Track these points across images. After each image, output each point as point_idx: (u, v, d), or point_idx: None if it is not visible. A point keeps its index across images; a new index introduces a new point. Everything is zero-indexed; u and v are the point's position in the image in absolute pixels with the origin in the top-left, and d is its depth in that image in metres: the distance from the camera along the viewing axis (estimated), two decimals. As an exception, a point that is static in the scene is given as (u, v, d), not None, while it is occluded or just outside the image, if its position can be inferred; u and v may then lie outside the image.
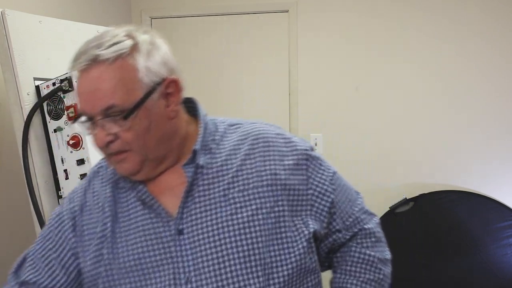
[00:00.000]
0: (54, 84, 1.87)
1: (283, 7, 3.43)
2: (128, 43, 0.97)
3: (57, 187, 1.89)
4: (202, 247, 0.99)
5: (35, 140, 1.88)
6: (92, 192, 1.13)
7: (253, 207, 1.00)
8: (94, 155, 1.84)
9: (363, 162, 3.36)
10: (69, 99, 1.85)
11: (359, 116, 3.36)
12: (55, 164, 1.88)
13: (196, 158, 1.03)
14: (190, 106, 1.13)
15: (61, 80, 1.86)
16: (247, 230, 0.99)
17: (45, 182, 1.88)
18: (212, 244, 0.99)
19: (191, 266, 0.99)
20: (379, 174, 3.34)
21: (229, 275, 0.98)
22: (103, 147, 1.00)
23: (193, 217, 1.01)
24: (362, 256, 1.14)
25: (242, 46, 3.48)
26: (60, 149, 1.87)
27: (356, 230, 1.14)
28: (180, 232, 1.00)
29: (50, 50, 2.00)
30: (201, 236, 0.99)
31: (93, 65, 0.96)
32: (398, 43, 3.31)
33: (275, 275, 0.99)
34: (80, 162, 1.83)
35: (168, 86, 1.01)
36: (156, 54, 0.99)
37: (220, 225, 0.99)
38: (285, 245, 1.00)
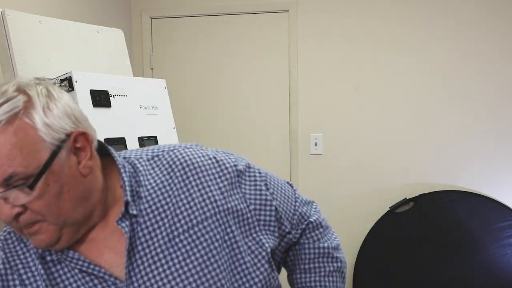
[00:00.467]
0: (54, 84, 1.87)
1: (283, 7, 3.43)
2: (21, 99, 0.83)
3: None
4: None
5: (35, 140, 1.88)
6: (14, 264, 0.96)
7: (204, 244, 0.93)
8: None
9: (363, 162, 3.36)
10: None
11: (359, 116, 3.36)
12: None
13: (129, 209, 0.92)
14: (98, 147, 0.98)
15: (61, 80, 1.86)
16: (205, 271, 0.92)
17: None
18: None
19: None
20: (379, 174, 3.34)
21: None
22: (12, 221, 0.85)
23: (143, 273, 0.91)
24: (317, 250, 1.13)
25: (242, 46, 3.48)
26: (60, 149, 1.87)
27: (303, 226, 1.11)
28: (131, 283, 0.91)
29: (50, 50, 2.00)
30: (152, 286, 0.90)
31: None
32: (398, 43, 3.31)
33: None
34: (80, 162, 1.83)
35: (76, 141, 0.88)
36: (55, 107, 0.86)
37: (175, 274, 0.91)
38: (246, 272, 0.95)
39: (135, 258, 0.92)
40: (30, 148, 0.82)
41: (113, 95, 1.99)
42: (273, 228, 1.01)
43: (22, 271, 0.95)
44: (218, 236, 0.94)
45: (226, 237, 0.95)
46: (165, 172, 0.98)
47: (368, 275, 3.24)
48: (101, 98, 1.93)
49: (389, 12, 3.31)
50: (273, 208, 1.02)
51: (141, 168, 0.98)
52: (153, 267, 0.92)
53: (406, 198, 3.25)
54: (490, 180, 3.21)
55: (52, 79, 1.89)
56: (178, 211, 0.94)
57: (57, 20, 2.10)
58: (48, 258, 0.93)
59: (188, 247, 0.93)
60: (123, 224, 0.91)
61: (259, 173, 1.04)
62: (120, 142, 1.94)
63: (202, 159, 0.99)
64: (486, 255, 3.06)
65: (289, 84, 3.43)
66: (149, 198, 0.95)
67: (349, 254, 3.31)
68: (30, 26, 1.95)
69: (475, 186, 3.22)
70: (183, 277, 0.91)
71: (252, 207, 0.99)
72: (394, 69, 3.32)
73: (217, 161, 1.00)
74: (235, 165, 1.01)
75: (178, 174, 0.97)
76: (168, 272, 0.91)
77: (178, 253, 0.92)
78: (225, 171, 0.99)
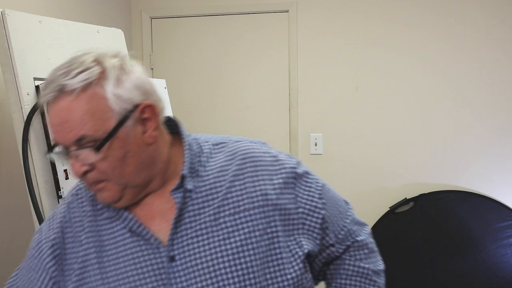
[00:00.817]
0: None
1: (283, 7, 3.43)
2: (96, 70, 0.94)
3: (57, 187, 1.89)
4: (196, 273, 0.96)
5: (35, 140, 1.88)
6: (73, 218, 1.08)
7: (245, 230, 0.98)
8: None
9: (363, 162, 3.36)
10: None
11: (359, 116, 3.36)
12: (55, 164, 1.88)
13: (184, 183, 1.00)
14: (171, 125, 1.08)
15: (61, 80, 1.86)
16: (240, 255, 0.97)
17: (45, 182, 1.88)
18: (206, 270, 0.96)
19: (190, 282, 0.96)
20: (379, 174, 3.34)
21: (246, 275, 0.96)
22: (81, 177, 0.98)
23: (184, 243, 0.98)
24: (356, 269, 1.12)
25: (242, 46, 3.48)
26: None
27: (348, 243, 1.13)
28: (172, 259, 0.98)
29: (50, 50, 2.00)
30: (193, 263, 0.97)
31: (61, 95, 0.93)
32: (398, 43, 3.31)
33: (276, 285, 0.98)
34: (80, 162, 1.83)
35: (144, 112, 0.97)
36: (126, 80, 0.96)
37: (213, 251, 0.97)
38: (281, 267, 0.99)
39: (180, 228, 0.99)
40: (100, 115, 0.92)
41: (113, 95, 1.98)
42: (315, 235, 1.04)
43: (77, 224, 1.06)
44: (260, 226, 0.99)
45: (269, 230, 0.99)
46: (226, 159, 1.05)
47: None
48: (101, 98, 1.93)
49: (389, 12, 3.31)
50: (320, 216, 1.05)
51: (206, 151, 1.06)
52: (194, 239, 0.98)
53: (406, 198, 3.25)
54: (490, 180, 3.21)
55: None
56: (229, 195, 1.01)
57: (57, 20, 2.10)
58: (105, 214, 1.04)
59: (230, 229, 0.98)
60: (176, 195, 0.99)
61: (317, 182, 1.09)
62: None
63: (263, 154, 1.06)
64: (486, 255, 3.06)
65: (289, 84, 3.43)
66: (205, 178, 1.02)
67: (349, 254, 3.31)
68: (30, 26, 1.95)
69: (475, 186, 3.22)
70: (219, 255, 0.97)
71: (300, 210, 1.03)
72: (394, 69, 3.32)
73: (277, 160, 1.06)
74: (294, 168, 1.06)
75: (237, 162, 1.03)
76: (207, 247, 0.97)
77: (220, 232, 0.98)
78: (283, 170, 1.04)
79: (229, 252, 0.97)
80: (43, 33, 1.99)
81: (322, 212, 1.05)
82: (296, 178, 1.05)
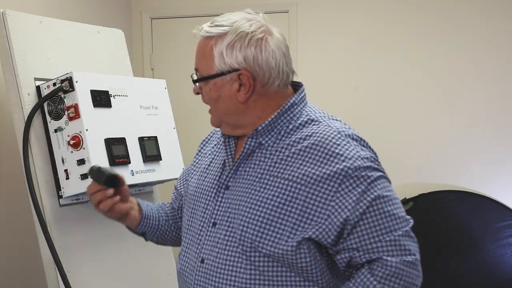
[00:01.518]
0: (54, 84, 1.87)
1: (283, 7, 3.43)
2: (223, 30, 1.20)
3: (58, 187, 1.90)
4: (232, 205, 1.22)
5: (36, 140, 1.88)
6: (211, 139, 1.46)
7: (272, 192, 1.16)
8: (94, 155, 1.84)
9: (363, 162, 3.36)
10: (70, 99, 1.85)
11: (359, 116, 3.36)
12: (56, 164, 1.89)
13: (259, 136, 1.22)
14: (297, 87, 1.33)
15: (61, 80, 1.86)
16: (260, 207, 1.16)
17: (45, 182, 1.88)
18: (237, 206, 1.20)
19: (220, 216, 1.24)
20: (379, 174, 3.34)
21: (235, 232, 1.19)
22: (196, 94, 1.30)
23: (239, 180, 1.23)
24: (364, 280, 1.12)
25: (242, 46, 3.47)
26: (61, 149, 1.87)
27: (374, 257, 1.13)
28: (227, 187, 1.25)
29: (50, 50, 2.01)
30: (235, 196, 1.22)
31: (199, 35, 1.24)
32: (398, 43, 3.31)
33: (259, 250, 1.16)
34: (81, 162, 1.83)
35: (241, 77, 1.19)
36: (239, 49, 1.19)
37: (247, 195, 1.19)
38: (279, 236, 1.14)
39: (242, 167, 1.24)
40: (207, 61, 1.21)
41: (114, 95, 1.99)
42: (331, 229, 1.12)
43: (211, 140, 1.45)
44: (285, 197, 1.15)
45: (290, 203, 1.15)
46: (306, 134, 1.20)
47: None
48: (101, 98, 1.93)
49: (389, 12, 3.32)
50: (344, 217, 1.11)
51: (300, 121, 1.24)
52: (244, 181, 1.22)
53: (406, 198, 3.25)
54: (490, 180, 3.21)
55: (52, 79, 1.89)
56: (283, 162, 1.18)
57: (58, 20, 2.11)
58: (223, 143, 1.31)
59: (265, 186, 1.18)
60: (249, 141, 1.22)
61: (372, 192, 1.14)
62: (120, 142, 1.95)
63: (333, 146, 1.17)
64: (486, 255, 3.06)
65: (289, 84, 3.43)
66: (282, 140, 1.21)
67: (349, 254, 3.31)
68: (30, 26, 1.95)
69: (475, 186, 3.22)
70: (249, 200, 1.19)
71: (332, 203, 1.12)
72: (394, 69, 3.32)
73: (342, 155, 1.15)
74: (349, 168, 1.14)
75: (307, 143, 1.18)
76: (245, 192, 1.20)
77: (259, 185, 1.19)
78: (337, 166, 1.14)
79: (254, 201, 1.18)
80: (43, 33, 2.00)
81: (347, 214, 1.11)
82: (346, 177, 1.13)
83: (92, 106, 1.89)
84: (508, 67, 3.22)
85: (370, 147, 1.28)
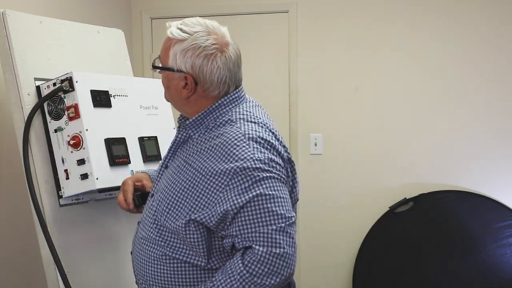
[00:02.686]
0: (54, 84, 1.87)
1: (283, 8, 3.44)
2: (184, 36, 1.40)
3: (58, 187, 1.89)
4: (163, 182, 1.49)
5: (36, 140, 1.88)
6: None
7: (182, 177, 1.41)
8: (94, 155, 1.84)
9: (363, 162, 3.36)
10: (70, 99, 1.85)
11: (359, 116, 3.37)
12: (56, 164, 1.89)
13: (188, 129, 1.47)
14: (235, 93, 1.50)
15: (61, 80, 1.86)
16: (172, 188, 1.42)
17: (45, 182, 1.88)
18: (165, 184, 1.47)
19: (157, 189, 1.51)
20: (379, 174, 3.35)
21: (156, 205, 1.46)
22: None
23: (173, 162, 1.50)
24: (235, 262, 1.31)
25: (242, 46, 3.44)
26: (61, 149, 1.87)
27: (247, 244, 1.30)
28: (166, 167, 1.53)
29: (50, 50, 2.00)
30: (166, 176, 1.49)
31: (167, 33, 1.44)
32: (398, 43, 3.32)
33: (165, 221, 1.41)
34: (81, 162, 1.83)
35: (187, 79, 1.41)
36: (190, 56, 1.40)
37: (170, 176, 1.46)
38: (177, 213, 1.38)
39: (179, 150, 1.51)
40: (165, 55, 1.44)
41: (114, 95, 1.99)
42: (214, 217, 1.33)
43: None
44: (184, 183, 1.39)
45: (191, 188, 1.37)
46: (219, 134, 1.40)
47: (368, 275, 3.25)
48: (101, 98, 1.93)
49: (389, 12, 3.32)
50: (224, 208, 1.31)
51: (222, 120, 1.43)
52: (173, 163, 1.49)
53: (405, 198, 3.25)
54: (490, 180, 3.21)
55: (52, 79, 1.89)
56: (197, 154, 1.41)
57: (58, 20, 2.10)
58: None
59: (177, 170, 1.44)
60: (180, 132, 1.50)
61: (250, 191, 1.31)
62: (120, 142, 1.95)
63: (231, 145, 1.35)
64: (486, 255, 3.06)
65: (289, 84, 3.44)
66: (204, 138, 1.43)
67: (349, 254, 3.31)
68: (30, 26, 1.95)
69: (475, 186, 3.22)
70: (168, 180, 1.46)
71: (220, 194, 1.33)
72: (393, 69, 3.32)
73: (236, 155, 1.33)
74: (237, 167, 1.32)
75: (217, 141, 1.38)
76: (170, 172, 1.47)
77: (176, 169, 1.45)
78: (230, 165, 1.33)
79: (170, 182, 1.44)
80: (43, 33, 1.99)
81: (228, 207, 1.31)
82: (234, 175, 1.32)
83: (92, 106, 1.89)
84: (508, 67, 3.22)
85: (275, 149, 1.41)
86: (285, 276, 1.30)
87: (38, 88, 1.91)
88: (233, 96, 1.47)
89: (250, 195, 1.31)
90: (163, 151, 2.10)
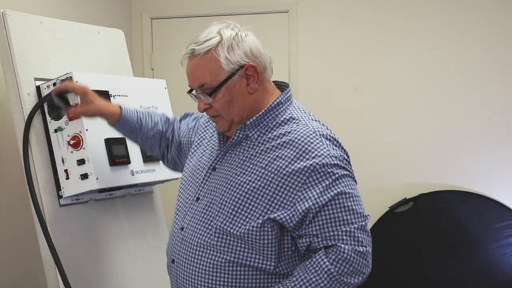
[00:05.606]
0: (54, 84, 1.87)
1: (283, 8, 3.44)
2: (216, 40, 1.34)
3: (58, 187, 1.90)
4: (215, 185, 1.41)
5: (36, 140, 1.88)
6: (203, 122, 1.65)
7: (250, 177, 1.34)
8: (94, 155, 1.84)
9: (363, 162, 3.35)
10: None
11: (359, 116, 3.37)
12: (56, 164, 1.89)
13: (247, 129, 1.39)
14: (283, 86, 1.49)
15: (61, 80, 1.86)
16: (235, 190, 1.35)
17: (45, 182, 1.88)
18: (218, 187, 1.40)
19: (203, 192, 1.43)
20: (379, 174, 3.35)
21: (213, 208, 1.39)
22: (203, 111, 1.43)
23: (225, 164, 1.42)
24: (319, 260, 1.28)
25: (242, 46, 3.47)
26: (61, 149, 1.87)
27: (330, 243, 1.29)
28: (214, 169, 1.45)
29: (50, 50, 2.00)
30: (219, 177, 1.41)
31: (191, 56, 1.37)
32: (398, 43, 3.31)
33: (230, 226, 1.34)
34: (81, 162, 1.83)
35: (248, 70, 1.35)
36: (237, 48, 1.34)
37: (228, 178, 1.38)
38: (250, 216, 1.32)
39: (229, 153, 1.43)
40: (214, 71, 1.34)
41: (114, 95, 1.99)
42: (296, 217, 1.30)
43: (205, 124, 1.63)
44: (259, 183, 1.33)
45: (264, 189, 1.32)
46: (286, 132, 1.37)
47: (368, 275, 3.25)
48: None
49: (389, 12, 3.32)
50: (306, 206, 1.28)
51: (282, 118, 1.40)
52: (228, 165, 1.41)
53: (405, 198, 3.25)
54: (490, 180, 3.21)
55: (52, 79, 1.89)
56: (264, 153, 1.36)
57: (58, 20, 2.10)
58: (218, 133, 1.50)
59: (244, 171, 1.36)
60: (237, 132, 1.41)
61: (334, 188, 1.30)
62: (120, 142, 1.95)
63: (305, 143, 1.33)
64: (486, 255, 3.06)
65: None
66: (266, 134, 1.39)
67: (349, 254, 3.31)
68: (30, 27, 1.95)
69: (475, 186, 3.22)
70: (229, 182, 1.38)
71: (299, 193, 1.30)
72: (394, 69, 3.32)
73: (312, 152, 1.31)
74: (317, 164, 1.30)
75: (285, 138, 1.35)
76: (229, 174, 1.39)
77: (240, 170, 1.37)
78: (308, 162, 1.30)
79: (233, 184, 1.36)
80: (43, 33, 2.00)
81: (309, 204, 1.28)
82: (313, 172, 1.29)
83: (92, 106, 1.89)
84: (508, 68, 3.22)
85: (342, 148, 1.43)
86: (366, 275, 1.33)
87: (38, 88, 1.91)
88: (289, 94, 1.46)
89: (332, 193, 1.29)
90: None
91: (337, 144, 1.40)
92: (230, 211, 1.35)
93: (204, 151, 1.54)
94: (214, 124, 1.51)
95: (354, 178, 1.40)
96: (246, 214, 1.33)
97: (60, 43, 2.05)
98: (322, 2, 3.39)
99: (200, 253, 1.38)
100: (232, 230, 1.33)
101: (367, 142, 3.35)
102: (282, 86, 1.49)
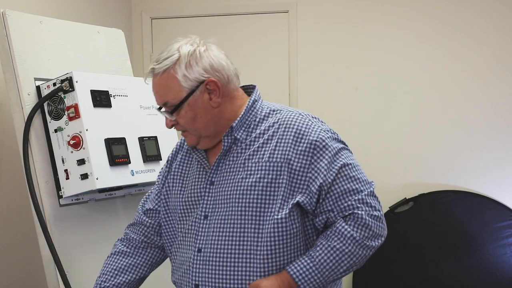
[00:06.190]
0: (54, 84, 1.88)
1: (283, 8, 3.44)
2: (174, 58, 1.35)
3: (58, 187, 1.90)
4: (220, 197, 1.38)
5: (36, 140, 1.88)
6: (179, 149, 1.57)
7: (258, 175, 1.34)
8: (94, 155, 1.85)
9: (363, 162, 3.31)
10: (70, 99, 1.86)
11: (359, 116, 3.37)
12: (56, 164, 1.89)
13: (234, 132, 1.38)
14: (249, 89, 1.48)
15: (61, 80, 1.86)
16: (249, 192, 1.34)
17: (45, 182, 1.88)
18: (226, 197, 1.37)
19: (210, 208, 1.40)
20: (379, 174, 3.34)
21: (230, 219, 1.35)
22: (171, 128, 1.42)
23: (222, 174, 1.39)
24: (340, 228, 1.31)
25: (242, 47, 3.48)
26: (61, 149, 1.88)
27: (347, 213, 1.33)
28: (212, 183, 1.41)
29: (50, 50, 2.01)
30: (221, 189, 1.38)
31: (153, 75, 1.38)
32: (398, 44, 3.31)
33: (261, 230, 1.32)
34: (81, 162, 1.84)
35: (209, 85, 1.35)
36: (195, 64, 1.35)
37: (234, 184, 1.36)
38: (273, 208, 1.32)
39: (223, 163, 1.40)
40: (175, 89, 1.35)
41: (114, 95, 1.99)
42: (312, 195, 1.33)
43: (178, 154, 1.54)
44: (270, 176, 1.33)
45: (276, 181, 1.33)
46: (273, 122, 1.39)
47: (368, 275, 3.25)
48: (101, 98, 1.93)
49: (388, 12, 3.32)
50: (319, 181, 1.31)
51: (264, 113, 1.42)
52: (228, 173, 1.38)
53: (405, 198, 3.25)
54: (490, 180, 3.21)
55: (52, 79, 1.89)
56: (260, 148, 1.36)
57: (58, 20, 2.11)
58: (192, 155, 1.49)
59: (249, 172, 1.35)
60: (225, 138, 1.38)
61: (339, 160, 1.35)
62: (120, 142, 1.95)
63: (300, 125, 1.37)
64: (486, 255, 3.06)
65: (289, 84, 3.43)
66: (253, 132, 1.39)
67: (349, 254, 3.31)
68: (30, 27, 1.95)
69: (475, 186, 3.22)
70: (236, 188, 1.35)
71: (309, 174, 1.33)
72: (394, 69, 3.32)
73: (308, 131, 1.35)
74: (317, 140, 1.34)
75: (277, 127, 1.37)
76: (232, 180, 1.37)
77: (244, 173, 1.36)
78: (307, 140, 1.34)
79: (243, 188, 1.34)
80: (43, 33, 2.00)
81: (323, 179, 1.31)
82: (316, 149, 1.33)
83: (92, 106, 1.89)
84: (508, 67, 3.22)
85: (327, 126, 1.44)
86: (384, 237, 1.37)
87: (38, 88, 1.91)
88: (258, 92, 1.47)
89: (336, 167, 1.33)
90: (163, 151, 2.10)
91: (323, 122, 1.45)
92: (253, 213, 1.33)
93: (186, 176, 1.49)
94: (181, 148, 1.53)
95: (349, 148, 1.45)
96: (270, 210, 1.33)
97: (60, 43, 2.05)
98: (322, 2, 3.39)
99: (234, 265, 1.35)
100: (260, 231, 1.32)
101: (367, 142, 3.35)
102: (249, 89, 1.49)
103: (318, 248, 1.31)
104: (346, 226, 1.31)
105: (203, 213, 1.40)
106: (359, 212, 1.31)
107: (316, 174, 1.32)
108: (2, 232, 2.24)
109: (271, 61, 3.45)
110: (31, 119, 1.85)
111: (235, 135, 1.39)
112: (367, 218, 1.31)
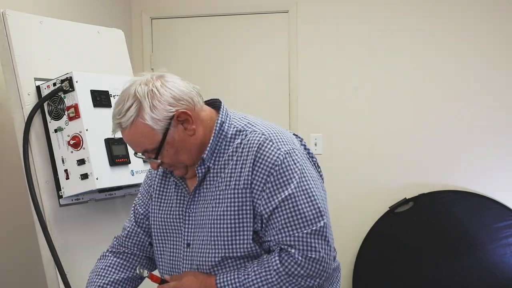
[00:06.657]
0: (54, 84, 1.88)
1: (283, 8, 3.44)
2: (136, 107, 1.30)
3: (58, 187, 1.90)
4: (199, 225, 1.40)
5: (36, 140, 1.89)
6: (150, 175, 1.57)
7: (227, 203, 1.35)
8: (94, 155, 1.84)
9: (363, 162, 3.36)
10: (70, 99, 1.86)
11: (359, 116, 3.37)
12: (56, 164, 1.89)
13: (205, 162, 1.37)
14: (215, 102, 1.46)
15: (61, 80, 1.86)
16: (220, 221, 1.35)
17: (45, 182, 1.88)
18: (202, 226, 1.39)
19: (191, 237, 1.42)
20: (379, 174, 3.35)
21: (208, 247, 1.37)
22: (157, 169, 1.44)
23: (198, 203, 1.41)
24: (272, 258, 1.32)
25: (242, 47, 3.48)
26: (61, 149, 1.88)
27: (283, 247, 1.31)
28: (191, 210, 1.42)
29: (50, 50, 2.01)
30: (198, 217, 1.40)
31: (121, 129, 1.34)
32: (398, 44, 3.31)
33: (232, 253, 1.35)
34: (81, 162, 1.84)
35: (180, 117, 1.32)
36: (158, 103, 1.30)
37: (207, 213, 1.38)
38: (245, 234, 1.34)
39: (198, 191, 1.41)
40: (149, 136, 1.32)
41: (114, 95, 1.99)
42: (261, 224, 1.35)
43: (155, 179, 1.53)
44: (237, 204, 1.34)
45: (243, 207, 1.34)
46: (238, 145, 1.37)
47: (368, 275, 3.25)
48: (101, 98, 1.94)
49: (389, 13, 3.32)
50: (268, 211, 1.32)
51: (229, 135, 1.39)
52: (202, 201, 1.40)
53: (405, 198, 3.25)
54: (490, 180, 3.21)
55: (52, 79, 1.89)
56: (228, 175, 1.36)
57: (58, 20, 2.11)
58: (169, 176, 1.49)
59: (219, 200, 1.36)
60: (199, 169, 1.38)
61: (286, 187, 1.32)
62: (120, 142, 1.95)
63: (263, 147, 1.33)
64: (486, 255, 3.06)
65: (289, 84, 3.43)
66: (222, 157, 1.38)
67: (349, 254, 3.31)
68: (30, 27, 1.95)
69: (475, 186, 3.22)
70: (209, 217, 1.37)
71: (259, 201, 1.33)
72: (393, 70, 3.32)
73: (268, 153, 1.33)
74: (274, 164, 1.32)
75: (241, 151, 1.35)
76: (206, 209, 1.38)
77: (214, 201, 1.36)
78: (266, 163, 1.32)
79: (214, 216, 1.36)
80: (43, 33, 2.00)
81: (265, 209, 1.32)
82: (269, 175, 1.32)
83: (92, 106, 1.89)
84: (509, 67, 3.22)
85: (289, 137, 1.42)
86: (324, 277, 1.34)
87: (38, 88, 1.91)
88: (225, 110, 1.43)
89: (280, 198, 1.31)
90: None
91: (283, 138, 1.38)
92: (226, 241, 1.35)
93: (163, 200, 1.50)
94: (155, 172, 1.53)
95: (314, 163, 1.44)
96: (243, 236, 1.34)
97: (60, 43, 2.05)
98: (322, 2, 3.39)
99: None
100: (237, 253, 1.35)
101: (367, 142, 3.35)
102: (214, 103, 1.46)
103: (249, 270, 1.34)
104: (276, 258, 1.31)
105: (185, 241, 1.43)
106: (293, 251, 1.30)
107: (259, 202, 1.32)
108: (2, 232, 2.24)
109: (271, 61, 3.45)
110: (31, 119, 1.85)
111: (208, 164, 1.38)
112: (299, 258, 1.29)
